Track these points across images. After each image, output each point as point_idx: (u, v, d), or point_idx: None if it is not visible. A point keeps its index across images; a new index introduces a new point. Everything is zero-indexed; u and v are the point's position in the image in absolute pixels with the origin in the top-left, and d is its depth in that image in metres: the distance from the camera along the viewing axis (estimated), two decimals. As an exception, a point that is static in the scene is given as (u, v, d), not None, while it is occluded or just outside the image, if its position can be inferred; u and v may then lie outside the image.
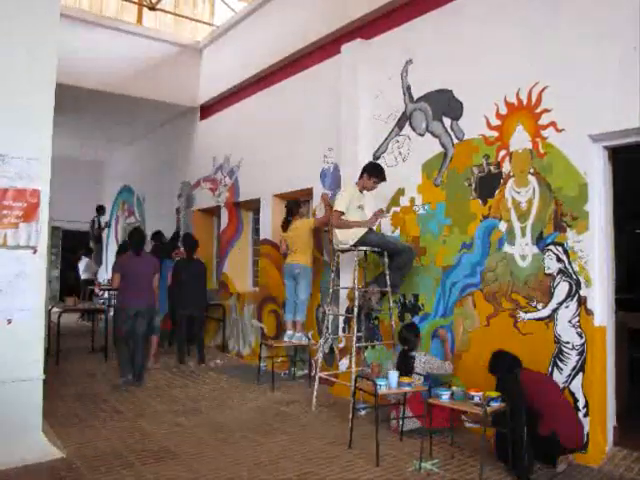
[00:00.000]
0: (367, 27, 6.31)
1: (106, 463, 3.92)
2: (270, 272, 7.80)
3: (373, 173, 5.50)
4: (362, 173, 5.57)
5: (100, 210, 12.97)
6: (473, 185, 5.00)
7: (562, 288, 4.25)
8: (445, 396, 3.84)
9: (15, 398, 3.94)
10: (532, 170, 4.51)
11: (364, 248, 5.42)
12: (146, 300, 6.28)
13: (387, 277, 5.39)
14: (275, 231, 7.75)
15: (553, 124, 4.37)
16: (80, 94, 8.99)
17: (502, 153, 4.76)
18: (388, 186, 5.79)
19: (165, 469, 3.84)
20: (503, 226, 4.71)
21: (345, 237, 5.40)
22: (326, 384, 6.00)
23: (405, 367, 4.70)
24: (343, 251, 5.59)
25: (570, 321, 4.19)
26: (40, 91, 4.17)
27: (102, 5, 10.33)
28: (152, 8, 10.41)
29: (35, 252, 4.06)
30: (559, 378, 4.20)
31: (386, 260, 5.41)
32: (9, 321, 3.94)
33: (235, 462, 3.99)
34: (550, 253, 4.34)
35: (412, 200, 5.60)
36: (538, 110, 4.48)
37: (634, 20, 3.88)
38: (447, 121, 5.30)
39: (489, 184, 4.85)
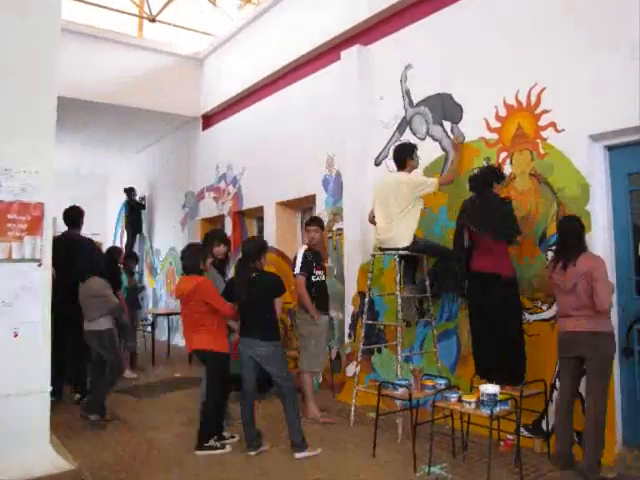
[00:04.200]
0: (365, 33, 6.35)
1: (115, 474, 3.93)
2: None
3: (410, 153, 5.04)
4: (404, 156, 5.04)
5: (130, 192, 11.81)
6: (475, 187, 4.99)
7: (566, 288, 4.22)
8: (454, 398, 3.85)
9: (22, 411, 3.95)
10: (533, 171, 4.51)
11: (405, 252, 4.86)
12: None
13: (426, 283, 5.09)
14: (279, 239, 7.77)
15: (553, 125, 4.37)
16: (82, 107, 9.05)
17: (503, 155, 4.77)
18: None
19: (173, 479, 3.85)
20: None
21: (402, 235, 4.79)
22: (331, 390, 6.01)
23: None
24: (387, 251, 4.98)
25: (576, 321, 4.16)
26: (42, 105, 4.19)
27: (103, 18, 10.42)
28: (152, 20, 10.51)
29: (40, 265, 4.08)
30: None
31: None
32: (15, 334, 3.96)
33: (243, 470, 3.98)
34: (553, 254, 4.32)
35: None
36: (537, 111, 4.48)
37: (633, 20, 3.88)
38: (447, 125, 5.31)
39: (491, 186, 4.84)
